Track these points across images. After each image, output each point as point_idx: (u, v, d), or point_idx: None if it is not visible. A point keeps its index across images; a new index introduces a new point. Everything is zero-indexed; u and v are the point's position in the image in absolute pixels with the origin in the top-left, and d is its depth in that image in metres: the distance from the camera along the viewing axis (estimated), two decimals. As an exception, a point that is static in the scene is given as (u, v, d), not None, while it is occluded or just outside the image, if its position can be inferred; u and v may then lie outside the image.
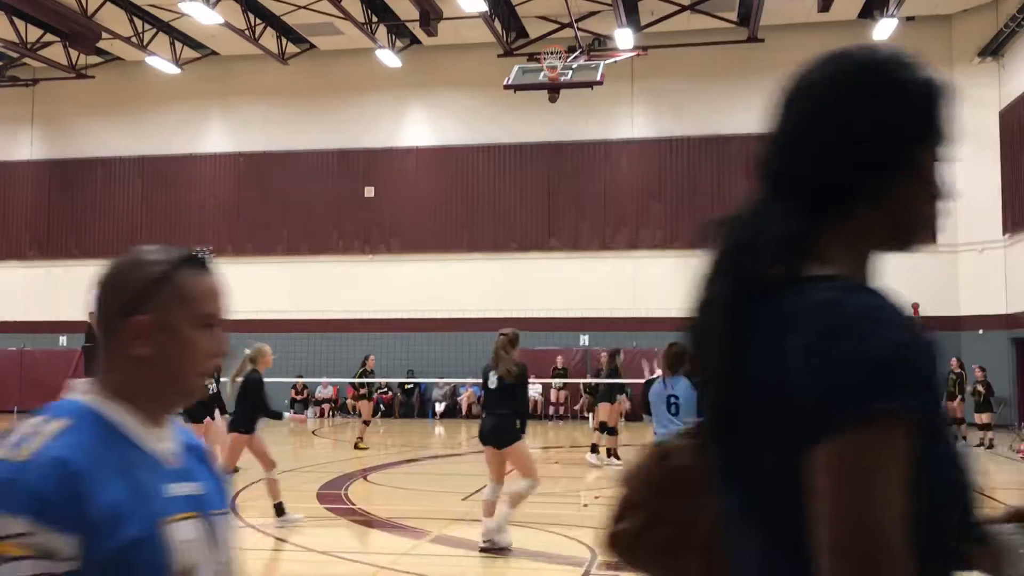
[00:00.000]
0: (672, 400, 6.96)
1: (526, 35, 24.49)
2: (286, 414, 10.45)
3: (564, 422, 23.73)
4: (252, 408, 9.45)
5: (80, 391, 1.49)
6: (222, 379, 12.52)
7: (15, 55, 25.66)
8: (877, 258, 1.33)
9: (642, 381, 15.66)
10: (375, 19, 23.38)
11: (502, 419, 7.86)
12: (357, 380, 17.46)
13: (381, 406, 25.53)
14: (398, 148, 26.33)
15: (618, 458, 14.19)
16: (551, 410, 24.18)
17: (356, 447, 16.36)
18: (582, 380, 23.62)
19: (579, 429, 21.78)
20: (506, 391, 7.94)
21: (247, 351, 9.69)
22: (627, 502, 1.47)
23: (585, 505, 10.40)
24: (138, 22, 23.64)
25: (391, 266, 25.88)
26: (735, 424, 1.22)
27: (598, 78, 16.72)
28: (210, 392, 12.11)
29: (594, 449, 14.68)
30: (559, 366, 23.72)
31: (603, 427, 14.71)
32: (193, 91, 27.20)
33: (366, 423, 16.99)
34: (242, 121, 27.26)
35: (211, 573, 1.49)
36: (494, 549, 7.63)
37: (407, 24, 24.03)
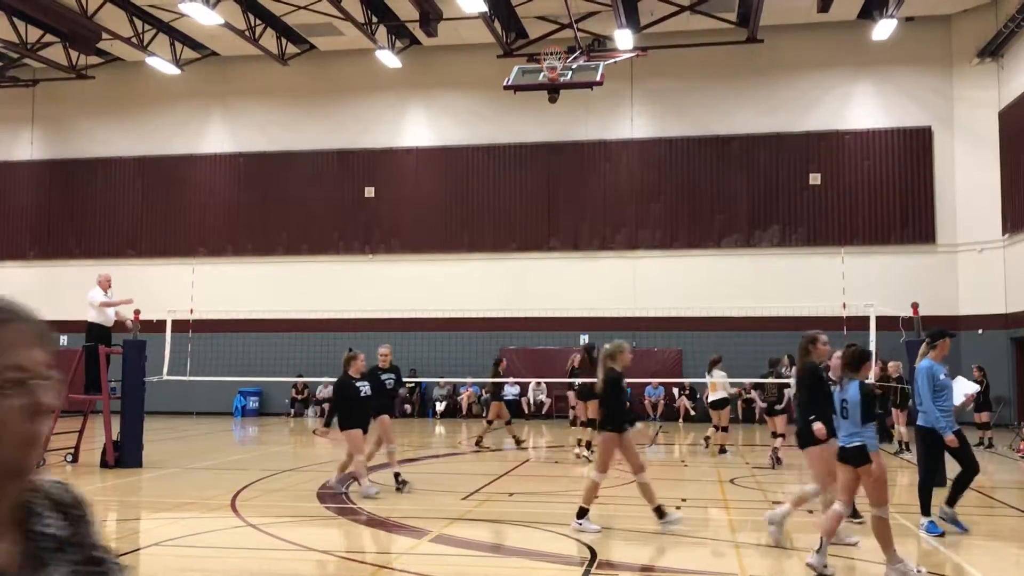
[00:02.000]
0: (843, 404, 6.83)
1: (526, 35, 24.49)
2: (635, 425, 8.78)
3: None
4: (619, 405, 8.63)
5: None
6: (399, 378, 11.70)
7: (15, 55, 25.67)
8: None
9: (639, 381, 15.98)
10: (375, 20, 23.39)
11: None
12: (491, 381, 17.68)
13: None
14: (398, 148, 26.35)
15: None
16: (568, 412, 22.53)
17: (477, 443, 16.56)
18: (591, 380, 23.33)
19: (579, 428, 21.74)
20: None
21: (607, 346, 8.84)
22: None
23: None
24: (138, 22, 23.65)
25: (391, 266, 25.88)
26: None
27: (598, 78, 16.69)
28: (388, 387, 11.33)
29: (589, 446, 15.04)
30: (575, 365, 21.92)
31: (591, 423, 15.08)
32: (193, 91, 27.21)
33: (492, 422, 17.05)
34: (242, 121, 27.27)
35: None
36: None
37: (407, 24, 24.04)
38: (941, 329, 9.02)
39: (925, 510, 8.53)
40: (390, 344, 12.14)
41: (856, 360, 6.96)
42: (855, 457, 6.73)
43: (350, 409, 10.68)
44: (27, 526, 1.29)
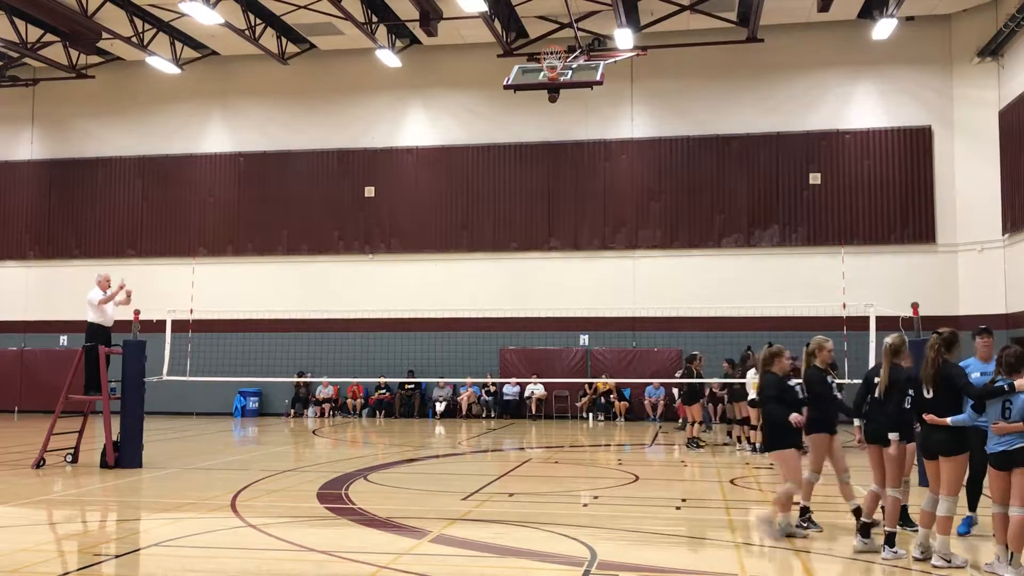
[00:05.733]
0: (1006, 406, 6.68)
1: (526, 35, 24.50)
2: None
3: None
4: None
5: None
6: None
7: (15, 55, 25.66)
8: None
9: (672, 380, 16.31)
10: (375, 19, 23.39)
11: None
12: (687, 381, 17.78)
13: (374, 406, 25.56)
14: (398, 148, 26.34)
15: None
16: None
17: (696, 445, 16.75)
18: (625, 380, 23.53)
19: (579, 428, 21.80)
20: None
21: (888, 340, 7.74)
22: None
23: (585, 505, 10.40)
24: (138, 22, 23.65)
25: (391, 266, 25.88)
26: None
27: (598, 78, 16.68)
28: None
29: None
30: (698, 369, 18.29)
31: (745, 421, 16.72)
32: (193, 91, 27.21)
33: (694, 424, 17.18)
34: (242, 121, 27.27)
35: None
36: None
37: (407, 24, 24.04)
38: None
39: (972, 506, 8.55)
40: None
41: (1019, 361, 6.80)
42: (1016, 461, 6.61)
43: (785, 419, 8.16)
44: None
